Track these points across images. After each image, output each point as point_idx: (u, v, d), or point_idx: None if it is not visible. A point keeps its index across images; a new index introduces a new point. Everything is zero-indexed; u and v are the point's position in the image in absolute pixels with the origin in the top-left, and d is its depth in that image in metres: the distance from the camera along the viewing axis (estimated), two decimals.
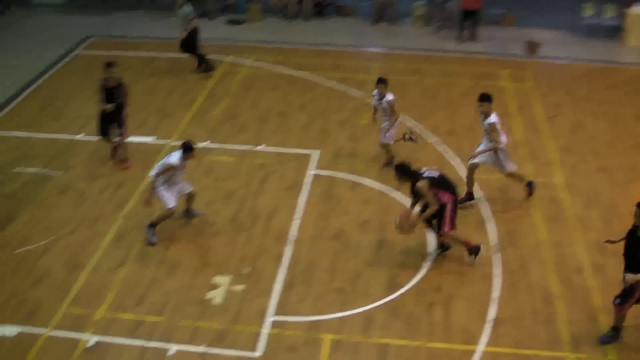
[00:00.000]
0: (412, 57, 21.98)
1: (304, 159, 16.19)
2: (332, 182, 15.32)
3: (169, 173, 13.21)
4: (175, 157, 13.17)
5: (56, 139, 17.02)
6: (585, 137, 17.49)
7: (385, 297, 12.15)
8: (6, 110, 18.64)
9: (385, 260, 13.00)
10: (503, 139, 14.18)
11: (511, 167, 14.51)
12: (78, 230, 13.77)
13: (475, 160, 14.42)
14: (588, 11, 24.69)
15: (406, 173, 12.62)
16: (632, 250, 10.42)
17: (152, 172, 13.39)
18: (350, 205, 14.58)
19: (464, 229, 13.46)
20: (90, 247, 13.28)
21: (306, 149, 16.62)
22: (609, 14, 24.59)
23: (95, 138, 16.33)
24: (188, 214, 14.10)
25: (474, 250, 12.93)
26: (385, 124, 15.66)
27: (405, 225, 12.67)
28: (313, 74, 20.58)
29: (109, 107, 15.43)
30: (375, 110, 15.95)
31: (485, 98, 14.28)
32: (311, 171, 15.72)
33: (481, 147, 14.42)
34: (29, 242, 13.47)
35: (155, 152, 16.29)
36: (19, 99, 19.23)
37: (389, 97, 15.54)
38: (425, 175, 12.52)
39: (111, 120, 15.68)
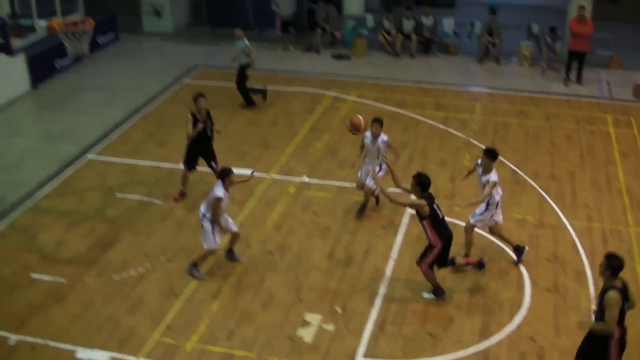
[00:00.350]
0: (516, 98, 21.71)
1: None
2: None
3: (218, 206, 12.94)
4: (218, 189, 12.96)
5: (159, 167, 17.38)
6: None
7: (476, 344, 11.95)
8: (114, 135, 19.15)
9: (479, 305, 12.81)
10: (497, 197, 13.69)
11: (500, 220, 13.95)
12: (176, 259, 13.99)
13: (472, 222, 13.92)
14: None
15: (421, 185, 12.45)
16: None
17: (202, 210, 13.19)
18: None
19: (560, 276, 13.22)
20: (187, 276, 13.47)
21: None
22: None
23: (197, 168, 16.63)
24: (230, 255, 13.93)
25: (439, 294, 12.94)
26: (376, 168, 15.06)
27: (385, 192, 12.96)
28: (415, 111, 20.53)
29: (192, 131, 15.48)
30: (362, 149, 15.51)
31: (490, 154, 13.52)
32: (409, 210, 15.60)
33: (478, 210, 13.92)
34: (127, 267, 13.76)
35: (256, 183, 16.46)
36: (126, 125, 19.74)
37: (384, 137, 15.07)
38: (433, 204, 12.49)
39: (200, 152, 15.86)
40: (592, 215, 15.54)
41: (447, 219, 14.71)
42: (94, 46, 24.02)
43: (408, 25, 25.27)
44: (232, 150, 18.16)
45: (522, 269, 13.75)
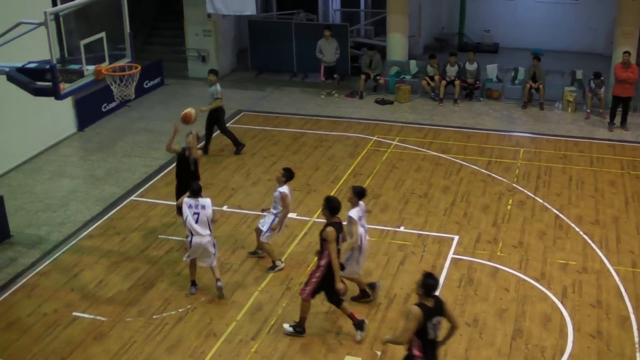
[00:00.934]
0: (559, 143, 21.52)
1: (445, 242, 15.99)
2: (472, 268, 15.03)
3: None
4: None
5: None
6: None
7: None
8: (158, 177, 19.30)
9: (521, 351, 12.59)
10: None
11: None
12: (216, 299, 13.96)
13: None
14: None
15: (330, 209, 12.43)
16: None
17: (207, 232, 13.74)
18: (489, 292, 14.23)
19: (604, 322, 12.99)
20: (227, 317, 13.43)
21: (447, 232, 16.42)
22: None
23: (237, 210, 16.67)
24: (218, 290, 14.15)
25: (299, 329, 12.95)
26: (272, 219, 14.82)
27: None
28: (458, 156, 20.45)
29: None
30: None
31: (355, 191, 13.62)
32: (451, 255, 15.49)
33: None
34: (168, 308, 13.75)
35: (298, 227, 16.45)
36: (171, 168, 19.84)
37: (283, 188, 14.65)
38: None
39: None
40: (637, 261, 15.26)
41: (490, 263, 14.65)
42: (140, 90, 24.30)
43: (451, 71, 25.28)
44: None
45: (565, 314, 13.51)
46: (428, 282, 10.12)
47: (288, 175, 14.73)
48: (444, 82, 25.12)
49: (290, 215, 15.97)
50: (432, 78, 25.36)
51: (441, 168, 19.72)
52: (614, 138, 21.99)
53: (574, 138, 21.97)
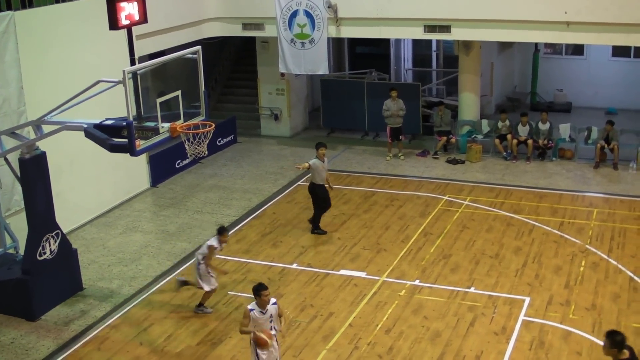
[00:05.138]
0: (634, 204, 21.08)
1: (516, 304, 15.70)
2: (543, 330, 14.71)
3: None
4: (213, 240, 15.20)
5: (271, 266, 17.48)
6: None
7: None
8: (230, 233, 19.39)
9: None
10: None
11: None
12: (283, 358, 13.88)
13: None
14: None
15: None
16: None
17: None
18: (561, 356, 13.89)
19: None
20: None
21: (518, 294, 16.14)
22: None
23: (306, 268, 16.71)
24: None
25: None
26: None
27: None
28: (530, 217, 20.16)
29: None
30: None
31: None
32: (522, 317, 15.20)
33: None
34: None
35: (367, 286, 16.37)
36: (242, 224, 20.04)
37: (211, 241, 15.29)
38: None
39: None
40: None
41: (562, 326, 14.38)
42: (213, 147, 24.66)
43: (523, 130, 25.08)
44: (344, 252, 18.15)
45: None
46: (617, 339, 10.08)
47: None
48: (515, 141, 24.92)
49: (360, 274, 15.95)
50: (504, 137, 25.20)
51: (513, 228, 19.46)
52: None
53: None
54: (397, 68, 32.13)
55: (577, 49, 31.66)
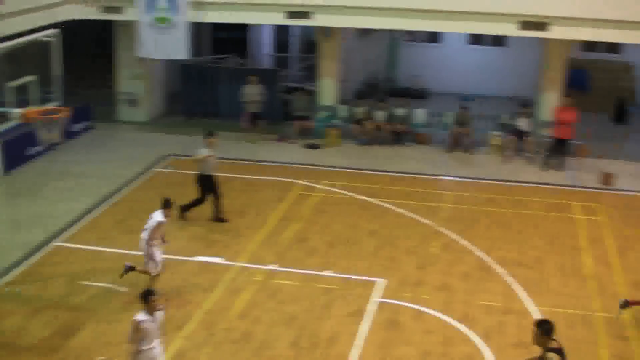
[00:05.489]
0: (485, 187, 21.86)
1: (370, 286, 16.02)
2: (396, 311, 15.08)
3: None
4: (159, 215, 15.10)
5: (126, 254, 17.20)
6: None
7: None
8: (83, 222, 19.04)
9: None
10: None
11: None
12: None
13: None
14: None
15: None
16: None
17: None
18: (413, 335, 14.27)
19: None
20: None
21: (373, 276, 16.46)
22: None
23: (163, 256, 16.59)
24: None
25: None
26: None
27: None
28: (385, 200, 20.58)
29: None
30: None
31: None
32: (376, 298, 15.52)
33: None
34: (90, 355, 13.48)
35: (223, 272, 16.35)
36: (95, 212, 19.65)
37: (158, 216, 15.28)
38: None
39: None
40: (559, 301, 15.50)
41: (414, 306, 14.75)
42: (69, 134, 24.05)
43: (380, 115, 25.55)
44: (200, 238, 18.08)
45: (489, 355, 13.61)
46: (545, 327, 10.33)
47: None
48: (372, 127, 25.34)
49: (216, 260, 15.99)
50: (360, 122, 25.58)
51: (368, 212, 19.84)
52: (538, 181, 22.43)
53: (499, 181, 22.38)
54: (257, 53, 32.14)
55: (434, 37, 32.40)
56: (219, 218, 19.11)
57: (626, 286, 16.28)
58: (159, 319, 11.54)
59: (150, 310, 11.32)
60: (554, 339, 10.33)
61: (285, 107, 27.43)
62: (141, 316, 11.31)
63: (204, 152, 18.73)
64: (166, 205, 15.25)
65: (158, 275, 15.34)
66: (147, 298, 11.30)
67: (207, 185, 19.00)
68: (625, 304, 14.85)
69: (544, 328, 10.31)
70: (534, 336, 10.39)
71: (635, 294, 15.80)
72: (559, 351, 10.26)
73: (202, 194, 19.09)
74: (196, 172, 19.12)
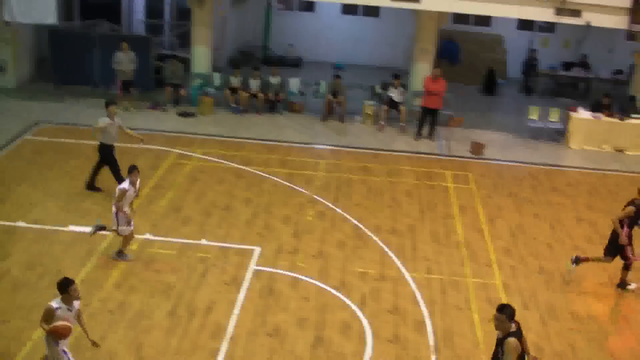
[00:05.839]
0: (359, 155, 22.20)
1: (246, 254, 16.09)
2: (273, 278, 15.22)
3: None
4: (124, 183, 15.21)
5: None
6: (526, 239, 17.70)
7: None
8: None
9: (321, 359, 12.85)
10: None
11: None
12: (13, 320, 13.43)
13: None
14: (534, 114, 25.30)
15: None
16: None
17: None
18: (289, 302, 14.45)
19: (401, 327, 13.49)
20: (22, 337, 12.94)
21: (249, 244, 16.54)
22: (554, 117, 25.25)
23: (35, 225, 16.22)
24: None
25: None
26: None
27: None
28: (260, 168, 20.66)
29: None
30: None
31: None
32: (252, 266, 15.61)
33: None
34: None
35: (97, 242, 16.08)
36: None
37: (123, 185, 15.34)
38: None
39: None
40: (432, 268, 15.96)
41: (291, 274, 14.93)
42: None
43: (255, 84, 25.54)
44: (72, 210, 17.71)
45: (364, 321, 13.91)
46: (509, 311, 10.40)
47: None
48: (247, 95, 25.33)
49: (87, 229, 15.77)
50: (235, 90, 25.53)
51: (243, 180, 19.86)
52: (410, 150, 22.91)
53: (373, 150, 22.79)
54: (130, 19, 31.53)
55: (309, 5, 32.52)
56: (93, 186, 18.79)
57: (495, 253, 16.88)
58: (77, 308, 11.29)
59: (69, 301, 11.03)
60: (513, 324, 10.47)
61: (158, 74, 27.06)
62: (56, 303, 11.01)
63: (105, 121, 18.33)
64: (130, 170, 15.33)
65: (131, 235, 15.62)
66: (65, 288, 10.97)
67: (106, 154, 18.66)
68: (577, 260, 15.53)
69: (509, 312, 10.43)
70: (496, 322, 10.51)
71: (504, 260, 16.45)
72: (518, 333, 10.43)
73: (106, 162, 18.76)
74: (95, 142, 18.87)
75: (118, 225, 15.29)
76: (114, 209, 15.25)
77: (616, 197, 20.16)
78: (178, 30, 31.00)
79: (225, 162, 21.00)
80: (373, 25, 32.30)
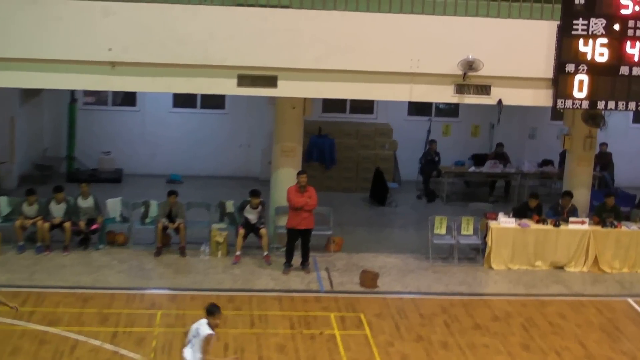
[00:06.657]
0: (208, 299, 21.47)
1: None
2: None
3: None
4: (205, 327, 15.29)
5: None
6: None
7: None
8: None
9: None
10: None
11: None
12: None
13: None
14: (440, 228, 25.29)
15: None
16: None
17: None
18: None
19: None
20: None
21: None
22: (467, 230, 25.30)
23: None
24: None
25: None
26: None
27: None
28: (72, 328, 19.86)
29: None
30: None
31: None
32: None
33: None
34: None
35: None
36: None
37: (204, 328, 15.35)
38: None
39: None
40: None
41: None
42: None
43: (58, 210, 24.84)
44: None
45: None
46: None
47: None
48: (47, 226, 24.55)
49: None
50: (29, 220, 24.78)
51: (48, 347, 18.97)
52: (279, 288, 22.62)
53: (227, 291, 22.37)
54: None
55: (128, 99, 32.28)
56: None
57: None
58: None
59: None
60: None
61: None
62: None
63: None
64: (211, 312, 15.47)
65: None
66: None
67: None
68: None
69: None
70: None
71: None
72: None
73: None
74: None
75: None
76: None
77: (560, 331, 20.18)
78: None
79: (20, 322, 20.07)
80: (217, 120, 32.24)
